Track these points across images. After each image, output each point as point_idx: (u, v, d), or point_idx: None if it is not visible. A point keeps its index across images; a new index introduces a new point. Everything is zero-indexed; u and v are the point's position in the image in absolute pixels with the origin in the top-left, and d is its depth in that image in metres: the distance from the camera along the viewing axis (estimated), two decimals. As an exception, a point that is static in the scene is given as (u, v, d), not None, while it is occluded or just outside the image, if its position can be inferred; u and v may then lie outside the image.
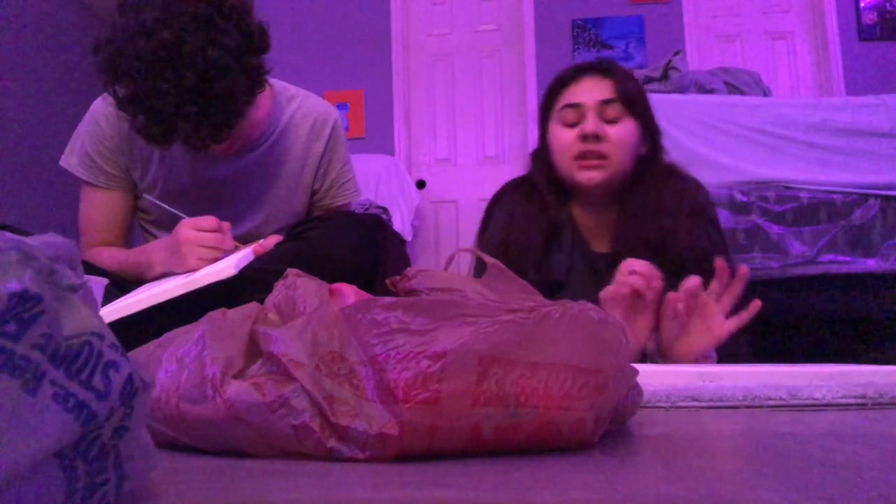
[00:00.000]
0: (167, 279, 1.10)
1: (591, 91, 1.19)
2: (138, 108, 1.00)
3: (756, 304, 0.97)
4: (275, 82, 1.32)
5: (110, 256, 1.22)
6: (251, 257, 1.07)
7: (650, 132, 1.22)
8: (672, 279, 1.02)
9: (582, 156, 1.16)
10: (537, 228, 1.20)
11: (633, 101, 1.18)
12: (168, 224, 1.27)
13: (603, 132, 1.16)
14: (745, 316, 0.97)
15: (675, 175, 1.23)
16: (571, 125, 1.19)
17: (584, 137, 1.16)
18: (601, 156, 1.16)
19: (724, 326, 0.98)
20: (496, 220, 1.26)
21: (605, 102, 1.17)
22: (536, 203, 1.22)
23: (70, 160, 1.26)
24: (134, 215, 1.31)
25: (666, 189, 1.18)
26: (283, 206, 1.30)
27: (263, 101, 1.27)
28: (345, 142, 1.36)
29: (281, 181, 1.29)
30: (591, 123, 1.16)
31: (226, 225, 1.10)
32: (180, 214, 1.14)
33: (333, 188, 1.34)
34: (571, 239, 1.21)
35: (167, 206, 1.19)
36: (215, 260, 1.08)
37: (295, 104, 1.31)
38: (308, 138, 1.30)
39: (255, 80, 1.08)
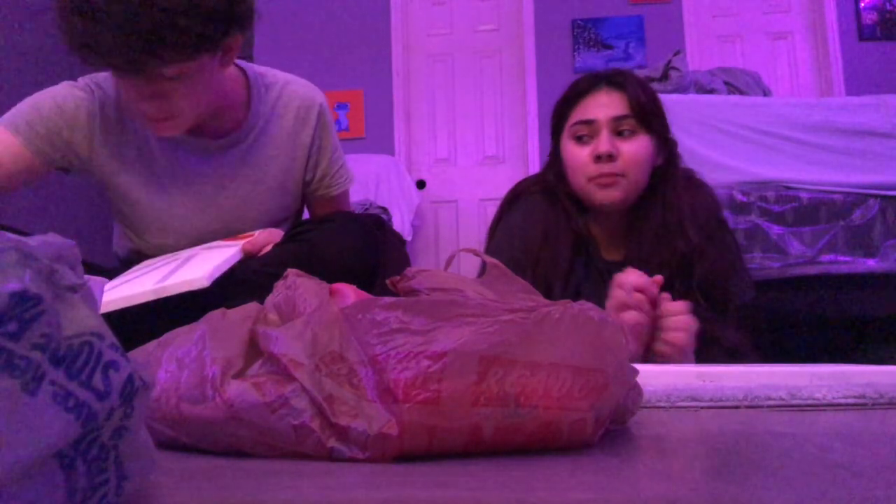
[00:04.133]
0: (146, 267, 1.10)
1: (603, 106, 1.16)
2: (71, 8, 0.95)
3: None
4: (249, 68, 1.24)
5: None
6: (237, 258, 1.04)
7: (666, 143, 1.20)
8: (695, 296, 1.04)
9: (597, 176, 1.15)
10: (565, 243, 1.18)
11: (646, 116, 1.16)
12: (129, 222, 1.23)
13: (617, 150, 1.14)
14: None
15: (692, 185, 1.21)
16: (584, 141, 1.17)
17: (598, 157, 1.14)
18: (616, 175, 1.14)
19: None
20: (513, 221, 1.24)
21: (618, 119, 1.15)
22: (562, 213, 1.21)
23: (22, 105, 1.15)
24: (21, 183, 1.16)
25: (684, 204, 1.17)
26: (276, 201, 1.26)
27: (238, 90, 1.21)
28: (332, 126, 1.30)
29: (269, 176, 1.24)
30: (604, 143, 1.14)
31: None
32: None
33: (327, 177, 1.29)
34: (585, 247, 1.21)
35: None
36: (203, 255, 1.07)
37: (275, 92, 1.25)
38: (294, 129, 1.24)
39: (205, 25, 0.98)
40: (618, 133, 1.15)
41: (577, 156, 1.17)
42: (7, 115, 1.14)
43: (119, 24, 0.93)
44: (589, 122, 1.16)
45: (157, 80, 1.02)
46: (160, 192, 1.20)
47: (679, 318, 0.98)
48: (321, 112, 1.27)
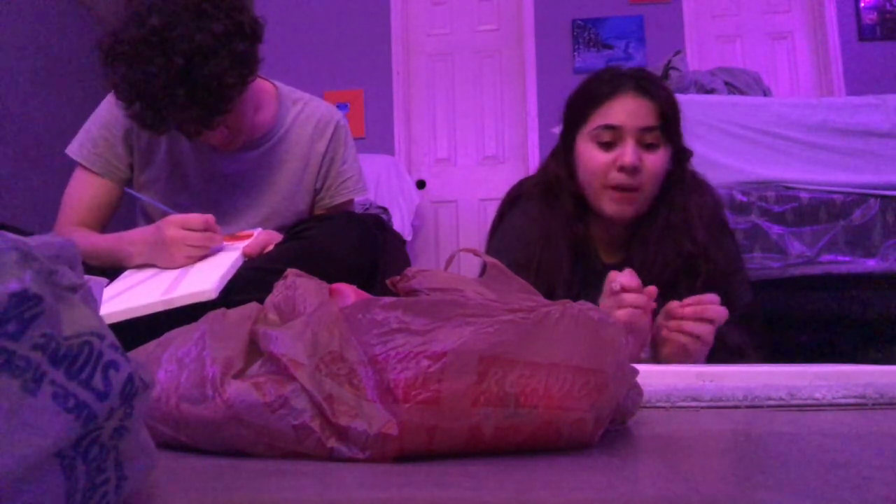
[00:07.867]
0: (149, 272, 1.10)
1: (632, 114, 1.11)
2: (131, 92, 1.04)
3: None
4: (280, 86, 1.35)
5: (83, 237, 1.19)
6: (239, 263, 1.07)
7: (679, 151, 1.17)
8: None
9: (617, 188, 1.11)
10: (565, 246, 1.16)
11: (671, 129, 1.12)
12: (151, 220, 1.28)
13: (641, 164, 1.10)
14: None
15: (697, 187, 1.19)
16: (607, 146, 1.12)
17: (622, 168, 1.09)
18: (635, 188, 1.11)
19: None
20: (513, 224, 1.22)
21: (645, 130, 1.11)
22: (561, 215, 1.18)
23: (73, 147, 1.28)
24: (116, 211, 1.31)
25: (691, 206, 1.15)
26: (285, 205, 1.31)
27: (269, 103, 1.30)
28: (349, 142, 1.37)
29: (283, 179, 1.30)
30: (630, 155, 1.09)
31: (210, 218, 1.10)
32: (168, 210, 1.15)
33: (333, 186, 1.34)
34: (585, 250, 1.19)
35: (160, 205, 1.20)
36: (203, 258, 1.09)
37: (299, 106, 1.34)
38: (311, 138, 1.32)
39: (245, 68, 1.10)
40: (642, 145, 1.11)
41: (598, 160, 1.13)
42: (74, 149, 1.27)
43: (183, 104, 1.03)
44: (614, 128, 1.11)
45: (220, 122, 1.12)
46: (183, 186, 1.27)
47: (689, 323, 0.96)
48: (338, 127, 1.35)
